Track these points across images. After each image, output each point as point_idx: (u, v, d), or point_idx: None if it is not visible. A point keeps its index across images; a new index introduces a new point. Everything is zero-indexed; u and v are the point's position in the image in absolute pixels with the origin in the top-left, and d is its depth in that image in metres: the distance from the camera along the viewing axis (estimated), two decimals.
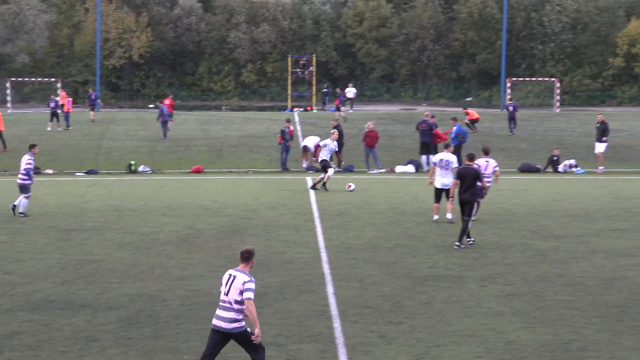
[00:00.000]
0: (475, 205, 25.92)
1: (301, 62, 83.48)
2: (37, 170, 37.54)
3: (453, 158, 28.52)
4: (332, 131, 39.04)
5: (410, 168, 42.62)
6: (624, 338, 17.12)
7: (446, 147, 29.73)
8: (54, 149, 49.59)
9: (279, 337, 17.10)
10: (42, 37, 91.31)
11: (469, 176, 25.28)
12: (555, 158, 42.96)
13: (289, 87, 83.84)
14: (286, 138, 43.16)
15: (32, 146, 30.77)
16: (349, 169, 42.40)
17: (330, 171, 35.78)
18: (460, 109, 70.31)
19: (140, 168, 42.88)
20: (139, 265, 22.96)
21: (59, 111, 60.18)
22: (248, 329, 14.11)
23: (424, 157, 42.87)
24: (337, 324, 17.92)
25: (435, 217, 28.92)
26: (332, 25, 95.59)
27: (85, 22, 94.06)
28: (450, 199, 28.34)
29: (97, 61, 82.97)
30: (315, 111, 77.38)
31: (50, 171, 42.32)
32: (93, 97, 68.52)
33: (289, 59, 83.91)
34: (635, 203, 32.82)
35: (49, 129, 58.47)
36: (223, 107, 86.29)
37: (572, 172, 42.13)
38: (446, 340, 16.95)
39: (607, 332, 17.49)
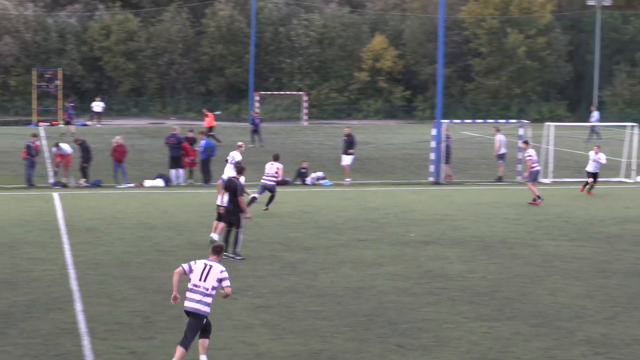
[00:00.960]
0: (241, 215, 25.98)
1: (46, 75, 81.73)
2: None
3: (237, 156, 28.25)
4: (239, 143, 38.13)
5: (160, 182, 42.31)
6: (371, 346, 17.58)
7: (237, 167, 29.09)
8: None
9: (25, 357, 16.66)
10: None
11: (231, 189, 25.56)
12: (303, 170, 43.65)
13: (34, 101, 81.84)
14: (32, 153, 41.99)
15: None
16: (96, 184, 41.68)
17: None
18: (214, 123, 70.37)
19: None
20: None
21: None
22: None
23: (173, 172, 42.72)
24: (86, 342, 17.62)
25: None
26: (78, 39, 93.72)
27: None
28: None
29: None
30: (61, 125, 75.77)
31: None
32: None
33: (34, 72, 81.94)
34: (381, 214, 33.76)
35: None
36: None
37: (320, 185, 42.93)
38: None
39: (356, 340, 17.91)
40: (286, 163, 48.94)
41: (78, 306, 20.29)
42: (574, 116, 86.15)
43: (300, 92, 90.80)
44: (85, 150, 42.46)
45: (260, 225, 30.82)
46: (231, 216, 25.78)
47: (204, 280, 16.01)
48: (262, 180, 33.61)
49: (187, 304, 16.04)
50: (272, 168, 33.32)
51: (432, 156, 44.16)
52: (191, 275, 16.10)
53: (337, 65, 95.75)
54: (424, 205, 36.25)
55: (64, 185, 40.99)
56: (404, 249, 27.16)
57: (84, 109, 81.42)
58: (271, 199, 33.51)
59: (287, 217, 32.64)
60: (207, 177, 42.20)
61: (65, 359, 16.63)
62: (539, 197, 36.41)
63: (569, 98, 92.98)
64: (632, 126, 47.91)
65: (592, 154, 40.17)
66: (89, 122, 74.33)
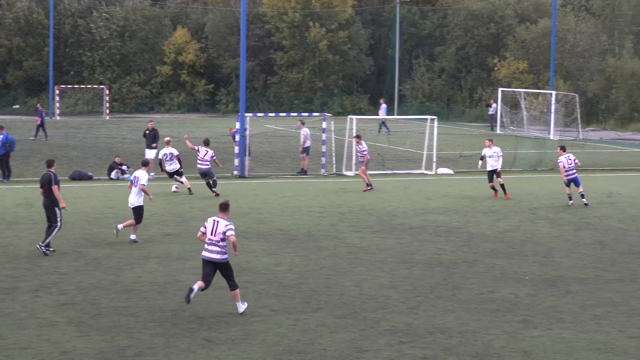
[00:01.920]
0: (57, 210, 25.52)
1: None
2: None
3: (142, 175, 27.50)
4: (166, 139, 39.55)
5: None
6: (179, 341, 17.51)
7: (144, 165, 28.42)
8: None
9: None
10: None
11: (46, 181, 25.31)
12: (121, 166, 42.76)
13: None
14: None
15: None
16: None
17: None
18: (7, 117, 68.84)
19: None
20: None
21: None
22: (229, 261, 19.56)
23: None
24: None
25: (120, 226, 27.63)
26: None
27: None
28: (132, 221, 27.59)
29: None
30: None
31: None
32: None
33: None
34: (186, 208, 33.66)
35: None
36: None
37: (124, 179, 42.33)
38: (0, 354, 16.51)
39: (163, 336, 17.81)
40: (89, 158, 48.47)
41: None
42: (376, 110, 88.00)
43: (102, 86, 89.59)
44: None
45: (64, 221, 30.17)
46: (46, 209, 25.60)
47: (214, 234, 19.39)
48: (198, 166, 37.12)
49: (203, 253, 19.61)
50: (208, 154, 36.84)
51: (237, 150, 44.25)
52: (205, 230, 19.65)
53: (139, 58, 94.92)
54: (230, 199, 36.13)
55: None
56: None
57: None
58: (214, 183, 36.78)
59: (91, 212, 32.10)
60: (5, 172, 41.04)
61: None
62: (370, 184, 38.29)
63: (371, 92, 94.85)
64: (432, 119, 49.17)
65: (486, 150, 37.05)
66: None
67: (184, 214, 32.24)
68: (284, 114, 48.84)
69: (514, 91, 77.21)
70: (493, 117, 76.62)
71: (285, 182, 41.93)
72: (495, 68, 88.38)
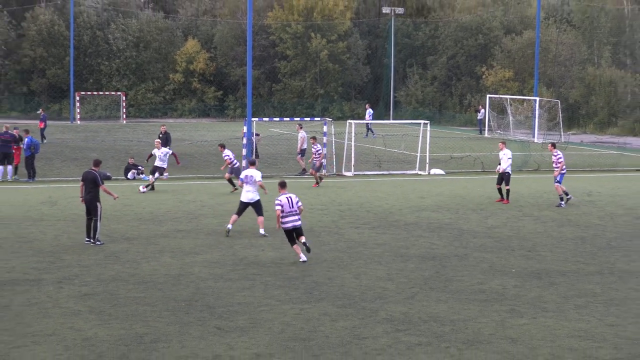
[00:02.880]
0: (98, 204, 25.73)
1: None
2: None
3: (257, 174, 27.82)
4: (156, 140, 40.40)
5: None
6: (192, 328, 17.55)
7: (251, 164, 28.62)
8: None
9: None
10: None
11: (89, 179, 25.56)
12: (137, 167, 42.98)
13: None
14: None
15: None
16: None
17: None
18: (32, 122, 68.91)
19: None
20: None
21: None
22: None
23: (0, 168, 41.36)
24: None
25: (229, 226, 27.72)
26: None
27: None
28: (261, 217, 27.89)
29: None
30: None
31: None
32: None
33: None
34: (197, 206, 33.68)
35: None
36: None
37: (140, 179, 42.40)
38: (26, 340, 16.56)
39: (177, 324, 17.84)
40: (107, 159, 48.46)
41: None
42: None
43: (119, 93, 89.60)
44: None
45: (84, 217, 30.25)
46: (87, 205, 25.78)
47: (292, 206, 23.67)
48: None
49: (287, 225, 23.78)
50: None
51: (244, 152, 44.26)
52: (285, 206, 23.63)
53: (153, 67, 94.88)
54: (237, 198, 36.19)
55: None
56: (219, 238, 27.19)
57: None
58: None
59: (110, 210, 32.11)
60: (31, 173, 41.12)
61: None
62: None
63: (368, 98, 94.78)
64: (425, 123, 49.18)
65: (501, 153, 35.89)
66: None
67: (195, 212, 32.26)
68: (288, 119, 48.84)
69: (500, 97, 77.20)
70: (481, 122, 76.60)
71: (288, 182, 41.88)
72: (484, 76, 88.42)
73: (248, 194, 27.71)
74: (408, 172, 46.47)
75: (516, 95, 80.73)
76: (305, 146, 44.98)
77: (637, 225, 30.66)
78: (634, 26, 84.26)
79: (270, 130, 66.93)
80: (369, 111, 72.18)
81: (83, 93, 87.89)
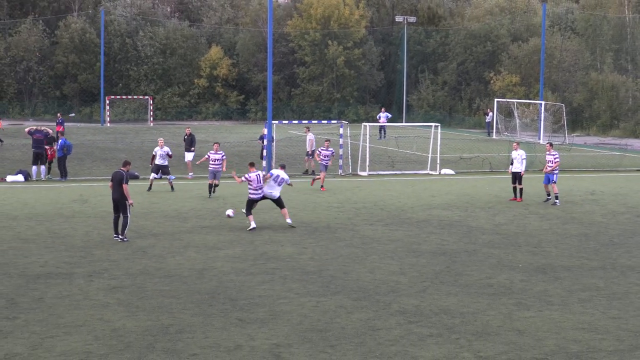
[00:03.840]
0: (127, 203, 25.75)
1: None
2: None
3: (286, 176, 28.57)
4: (159, 139, 39.13)
5: (20, 177, 41.11)
6: (215, 320, 17.51)
7: (282, 167, 29.35)
8: None
9: None
10: None
11: (116, 179, 25.52)
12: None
13: None
14: None
15: None
16: None
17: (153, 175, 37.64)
18: (65, 124, 68.94)
19: None
20: None
21: None
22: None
23: (34, 168, 41.50)
24: None
25: (252, 224, 27.90)
26: None
27: None
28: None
29: None
30: None
31: None
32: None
33: None
34: (220, 204, 33.62)
35: None
36: None
37: (166, 179, 42.32)
38: (58, 331, 16.55)
39: (201, 315, 17.81)
40: (135, 160, 48.51)
41: None
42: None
43: (146, 97, 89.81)
44: None
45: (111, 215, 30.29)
46: (117, 203, 25.75)
47: (259, 182, 26.80)
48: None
49: (255, 196, 27.12)
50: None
51: (265, 153, 44.24)
52: (253, 182, 26.93)
53: (179, 72, 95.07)
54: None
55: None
56: (240, 234, 27.15)
57: None
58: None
59: (137, 208, 32.11)
60: (63, 172, 41.22)
61: None
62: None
63: (382, 102, 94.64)
64: (436, 126, 49.04)
65: (513, 153, 35.43)
66: None
67: (218, 209, 32.22)
68: (306, 122, 48.73)
69: (508, 101, 76.94)
70: (490, 124, 76.36)
71: (306, 181, 41.82)
72: (492, 81, 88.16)
73: (273, 192, 28.36)
74: (420, 172, 46.34)
75: (522, 99, 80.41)
76: (314, 147, 44.83)
77: (638, 223, 30.48)
78: (634, 33, 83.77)
79: (290, 132, 66.88)
80: (386, 114, 71.69)
81: (113, 97, 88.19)
